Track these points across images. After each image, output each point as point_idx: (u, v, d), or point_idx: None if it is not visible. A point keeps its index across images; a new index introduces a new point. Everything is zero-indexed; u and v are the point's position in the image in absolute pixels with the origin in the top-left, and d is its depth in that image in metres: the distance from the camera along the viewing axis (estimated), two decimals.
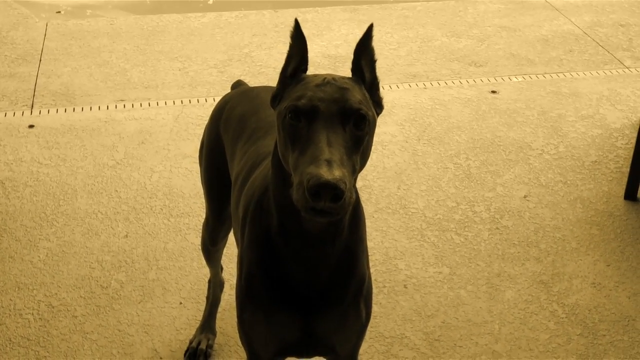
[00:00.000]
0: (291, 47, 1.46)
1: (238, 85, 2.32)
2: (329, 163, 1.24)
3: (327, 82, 1.38)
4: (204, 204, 2.26)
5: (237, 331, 1.71)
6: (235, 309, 1.72)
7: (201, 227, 2.33)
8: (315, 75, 1.43)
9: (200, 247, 2.40)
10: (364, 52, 1.46)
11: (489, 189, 3.22)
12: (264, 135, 1.86)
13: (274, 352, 1.63)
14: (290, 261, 1.51)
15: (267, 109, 1.88)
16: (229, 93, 2.22)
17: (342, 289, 1.57)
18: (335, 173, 1.22)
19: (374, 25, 1.46)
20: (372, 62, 1.47)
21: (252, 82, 4.01)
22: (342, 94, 1.35)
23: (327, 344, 1.63)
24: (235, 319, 1.75)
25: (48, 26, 4.79)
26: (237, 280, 1.67)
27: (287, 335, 1.59)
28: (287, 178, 1.40)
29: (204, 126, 3.09)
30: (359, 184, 3.19)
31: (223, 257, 2.42)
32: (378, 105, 1.48)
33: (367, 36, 1.45)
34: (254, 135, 1.90)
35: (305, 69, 1.47)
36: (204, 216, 2.50)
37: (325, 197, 1.22)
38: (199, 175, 2.39)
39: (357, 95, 1.38)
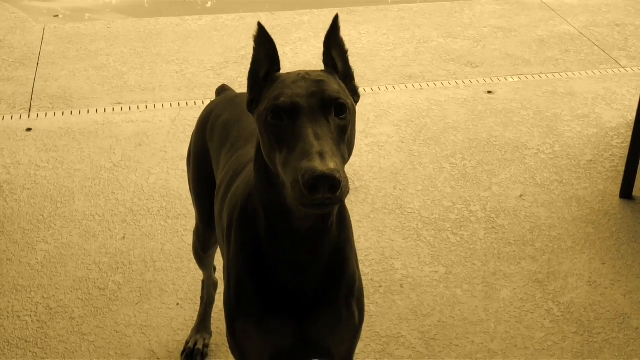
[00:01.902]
0: (256, 50, 1.46)
1: (222, 90, 2.31)
2: (321, 155, 1.24)
3: (302, 77, 1.39)
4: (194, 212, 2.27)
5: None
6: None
7: None
8: (288, 73, 1.43)
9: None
10: (333, 43, 1.48)
11: (484, 188, 3.23)
12: (245, 144, 1.86)
13: (268, 359, 1.62)
14: (281, 265, 1.50)
15: (250, 117, 1.88)
16: (214, 100, 2.22)
17: (333, 290, 1.57)
18: (329, 164, 1.23)
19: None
20: (343, 52, 1.49)
21: None
22: (319, 86, 1.36)
23: (321, 347, 1.62)
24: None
25: (45, 30, 4.80)
26: (225, 290, 1.65)
27: (281, 342, 1.58)
28: (273, 180, 1.41)
29: None
30: (356, 184, 3.20)
31: (215, 257, 2.44)
32: (355, 94, 1.50)
33: (335, 28, 1.47)
34: (236, 143, 1.90)
35: (278, 69, 1.48)
36: None
37: (323, 189, 1.22)
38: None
39: (334, 85, 1.39)
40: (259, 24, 1.45)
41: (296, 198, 1.26)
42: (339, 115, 1.35)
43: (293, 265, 1.50)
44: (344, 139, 1.36)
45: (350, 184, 1.31)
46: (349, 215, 1.62)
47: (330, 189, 1.23)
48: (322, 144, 1.27)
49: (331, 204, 1.27)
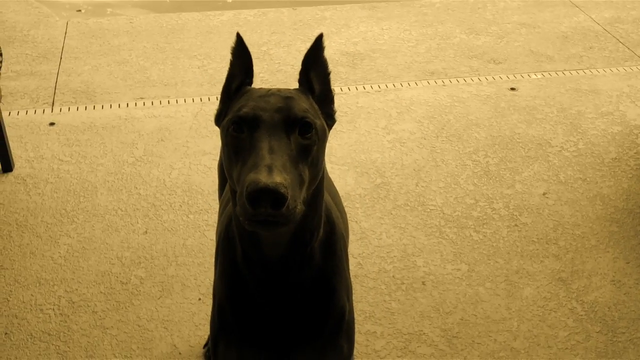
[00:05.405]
0: (232, 63, 1.41)
1: None
2: (269, 168, 1.18)
3: (272, 93, 1.34)
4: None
5: None
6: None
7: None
8: (260, 88, 1.39)
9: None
10: (313, 64, 1.42)
11: (507, 186, 3.21)
12: None
13: None
14: (257, 293, 1.44)
15: None
16: None
17: (318, 323, 1.49)
18: (275, 178, 1.15)
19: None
20: (324, 74, 1.43)
21: (271, 79, 4.02)
22: (286, 103, 1.31)
23: None
24: None
25: (68, 25, 4.83)
26: (211, 311, 1.61)
27: None
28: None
29: None
30: (378, 180, 3.19)
31: None
32: (330, 118, 1.44)
33: (317, 47, 1.41)
34: None
35: (251, 82, 1.43)
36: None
37: (264, 202, 1.15)
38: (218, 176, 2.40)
39: (303, 104, 1.33)
40: (238, 35, 1.40)
41: (240, 213, 1.19)
42: (304, 135, 1.29)
43: (268, 294, 1.44)
44: (307, 160, 1.28)
45: (374, 179, 1.27)
46: (341, 244, 1.53)
47: (273, 204, 1.15)
48: (274, 157, 1.20)
49: (276, 224, 1.18)
